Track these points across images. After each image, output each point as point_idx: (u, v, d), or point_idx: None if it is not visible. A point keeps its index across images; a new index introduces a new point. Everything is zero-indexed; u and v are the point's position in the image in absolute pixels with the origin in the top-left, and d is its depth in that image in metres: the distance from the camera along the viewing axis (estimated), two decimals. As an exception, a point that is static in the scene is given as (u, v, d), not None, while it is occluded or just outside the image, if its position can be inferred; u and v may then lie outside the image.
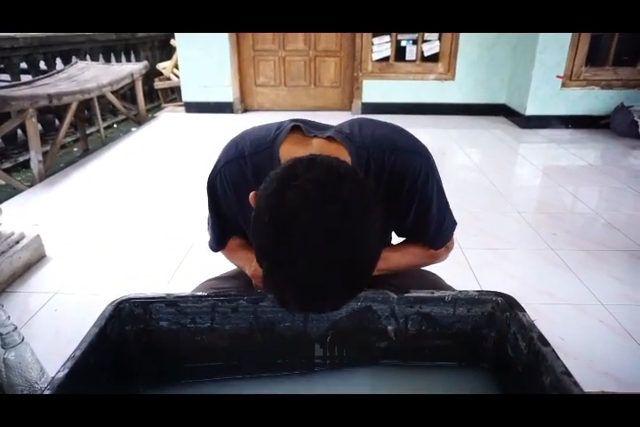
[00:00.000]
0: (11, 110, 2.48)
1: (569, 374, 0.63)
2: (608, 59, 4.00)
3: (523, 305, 0.74)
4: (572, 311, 1.51)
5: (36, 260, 1.76)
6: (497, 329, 0.79)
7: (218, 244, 0.93)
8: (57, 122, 4.17)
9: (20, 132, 3.60)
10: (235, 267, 1.00)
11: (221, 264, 1.02)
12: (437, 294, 0.80)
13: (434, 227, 0.83)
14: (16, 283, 1.64)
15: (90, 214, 2.34)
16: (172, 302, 0.79)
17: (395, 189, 0.76)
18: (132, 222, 2.27)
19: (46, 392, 0.62)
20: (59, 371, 0.65)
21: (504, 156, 3.55)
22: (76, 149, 4.14)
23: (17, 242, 1.67)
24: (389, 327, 0.81)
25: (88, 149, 3.93)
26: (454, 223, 0.87)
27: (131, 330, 0.79)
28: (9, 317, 0.96)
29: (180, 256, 1.91)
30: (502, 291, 0.80)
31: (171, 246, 2.01)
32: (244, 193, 0.70)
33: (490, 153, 3.66)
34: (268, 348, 0.81)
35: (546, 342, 0.69)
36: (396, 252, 0.88)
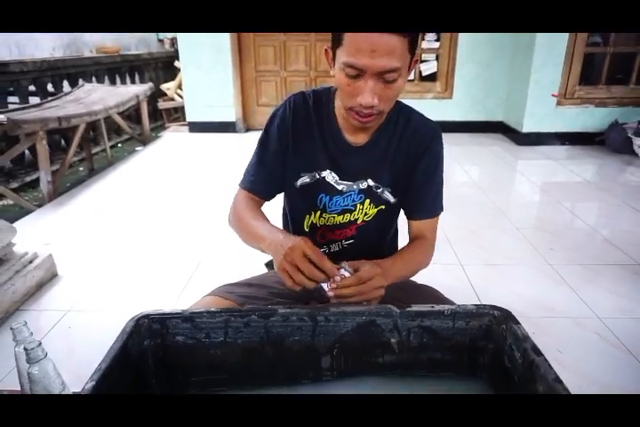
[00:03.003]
0: (22, 133, 2.56)
1: (560, 381, 0.66)
2: (601, 77, 4.11)
3: (522, 319, 0.77)
4: (569, 325, 1.55)
5: (49, 279, 1.81)
6: (494, 341, 0.82)
7: (248, 182, 1.01)
8: (63, 142, 4.27)
9: (27, 152, 3.69)
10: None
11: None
12: (437, 308, 0.83)
13: (433, 194, 1.00)
14: (29, 301, 1.68)
15: (99, 233, 2.40)
16: (188, 318, 0.82)
17: (414, 143, 0.96)
18: (141, 241, 2.32)
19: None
20: (87, 382, 0.69)
21: (502, 172, 3.62)
22: (81, 169, 4.22)
23: (30, 261, 1.72)
24: (392, 340, 0.84)
25: (94, 168, 4.01)
26: (442, 206, 1.03)
27: (149, 345, 0.82)
28: (32, 333, 1.02)
29: (188, 273, 1.96)
30: (502, 305, 0.84)
31: (179, 264, 2.06)
32: (302, 117, 0.95)
33: (489, 170, 3.72)
34: (278, 360, 0.84)
35: (539, 352, 0.73)
36: (404, 257, 0.97)
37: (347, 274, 0.81)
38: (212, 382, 0.85)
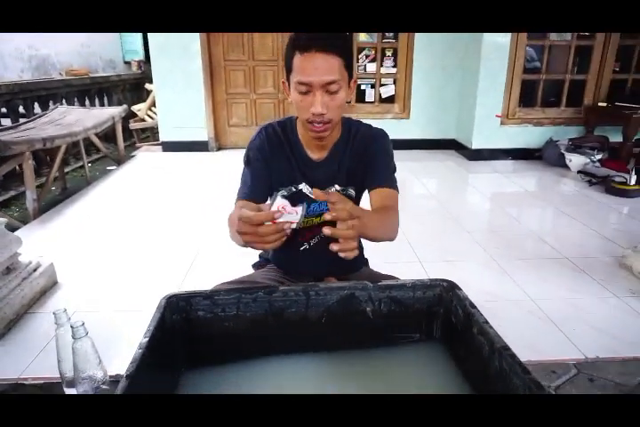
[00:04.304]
0: (10, 154, 2.69)
1: (487, 322, 0.92)
2: (537, 100, 4.60)
3: None
4: (508, 306, 1.87)
5: (51, 285, 1.96)
6: (444, 305, 1.04)
7: (243, 194, 1.13)
8: (33, 163, 4.32)
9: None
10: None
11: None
12: (401, 281, 1.05)
13: (384, 169, 1.17)
14: (36, 305, 1.83)
15: (89, 245, 2.55)
16: (208, 296, 0.99)
17: (362, 143, 1.16)
18: (129, 250, 2.49)
19: (138, 351, 0.86)
20: (143, 337, 0.89)
21: (455, 185, 3.99)
22: (54, 188, 4.30)
23: (35, 269, 1.88)
24: (368, 309, 1.03)
25: (66, 187, 4.10)
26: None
27: (176, 319, 0.98)
28: (69, 318, 1.21)
29: (179, 277, 2.16)
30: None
31: (168, 269, 2.25)
32: (275, 144, 1.13)
33: (443, 182, 4.08)
34: (279, 329, 1.02)
35: (474, 306, 0.97)
36: (377, 214, 1.12)
37: (290, 209, 0.80)
38: (225, 349, 1.01)
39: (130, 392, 0.73)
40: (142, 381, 0.77)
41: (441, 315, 1.09)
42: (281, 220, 0.78)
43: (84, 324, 1.13)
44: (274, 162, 1.15)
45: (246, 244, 0.83)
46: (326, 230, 0.79)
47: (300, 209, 0.80)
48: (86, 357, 1.14)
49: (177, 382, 0.97)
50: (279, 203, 0.79)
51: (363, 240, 1.37)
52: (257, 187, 1.13)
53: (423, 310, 1.08)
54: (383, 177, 1.17)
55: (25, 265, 1.85)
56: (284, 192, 1.18)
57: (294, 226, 0.80)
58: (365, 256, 1.41)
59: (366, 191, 1.21)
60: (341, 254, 0.81)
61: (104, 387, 1.16)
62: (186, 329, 1.05)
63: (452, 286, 1.07)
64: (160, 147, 5.09)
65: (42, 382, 1.41)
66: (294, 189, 1.17)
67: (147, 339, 0.89)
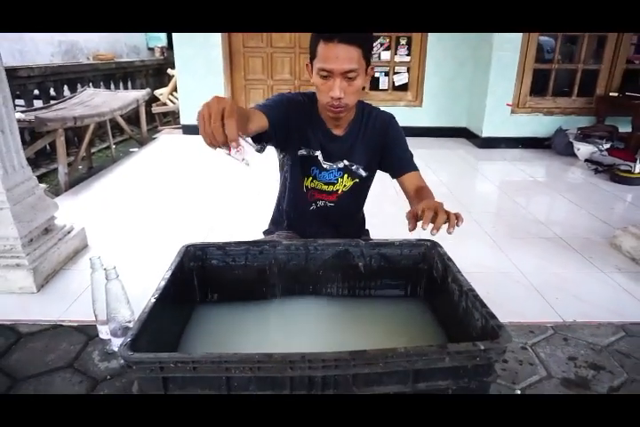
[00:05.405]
0: (45, 130, 2.91)
1: (460, 272, 1.06)
2: (548, 90, 4.65)
3: (465, 274, 1.02)
4: (498, 276, 2.01)
5: (82, 247, 2.18)
6: (428, 262, 1.17)
7: (255, 106, 1.18)
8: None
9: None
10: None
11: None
12: (390, 240, 1.18)
13: (408, 154, 1.34)
14: (69, 263, 2.05)
15: (115, 215, 2.78)
16: (221, 247, 1.13)
17: (377, 128, 1.31)
18: (149, 220, 2.70)
19: (162, 282, 1.02)
20: (166, 273, 1.04)
21: (464, 171, 4.09)
22: (80, 167, 4.53)
23: (68, 232, 2.09)
24: (360, 264, 1.16)
25: (92, 166, 4.33)
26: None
27: (193, 266, 1.13)
28: (102, 264, 1.40)
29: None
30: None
31: (184, 238, 2.44)
32: (304, 109, 1.25)
33: (452, 169, 4.17)
34: (282, 278, 1.16)
35: (450, 259, 1.11)
36: (425, 190, 1.30)
37: (243, 143, 0.82)
38: (233, 293, 1.16)
39: (155, 310, 0.89)
40: (165, 303, 0.93)
41: (425, 271, 1.21)
42: (231, 152, 0.81)
43: (115, 267, 1.33)
44: (297, 122, 1.25)
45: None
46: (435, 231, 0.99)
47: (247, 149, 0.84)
48: (117, 297, 1.34)
49: (191, 312, 1.13)
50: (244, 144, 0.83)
51: (366, 214, 1.53)
52: (273, 109, 1.17)
53: (409, 266, 1.21)
54: (408, 163, 1.35)
55: (60, 227, 2.06)
56: (302, 152, 1.32)
57: (235, 155, 0.83)
58: (369, 230, 1.55)
59: (380, 171, 1.37)
60: (451, 229, 1.00)
61: (130, 326, 1.36)
62: (201, 275, 1.18)
63: (434, 245, 1.20)
64: (181, 130, 5.29)
65: (76, 323, 1.62)
66: (312, 154, 1.32)
67: (169, 273, 1.05)
